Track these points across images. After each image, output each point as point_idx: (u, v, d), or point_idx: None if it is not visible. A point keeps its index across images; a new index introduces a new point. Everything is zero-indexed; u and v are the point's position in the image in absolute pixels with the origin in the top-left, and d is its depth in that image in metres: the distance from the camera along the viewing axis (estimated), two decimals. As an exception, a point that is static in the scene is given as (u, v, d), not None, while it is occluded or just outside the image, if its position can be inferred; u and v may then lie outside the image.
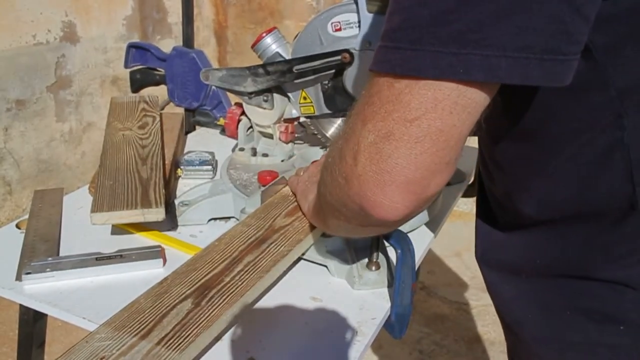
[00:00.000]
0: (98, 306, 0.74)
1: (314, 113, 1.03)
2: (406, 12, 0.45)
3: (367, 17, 0.88)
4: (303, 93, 1.02)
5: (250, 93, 1.04)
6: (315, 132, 1.12)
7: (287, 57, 0.99)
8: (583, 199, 0.59)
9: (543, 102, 0.55)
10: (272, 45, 1.01)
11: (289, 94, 1.04)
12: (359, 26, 0.90)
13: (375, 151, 0.48)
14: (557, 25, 0.43)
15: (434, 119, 0.45)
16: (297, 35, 1.01)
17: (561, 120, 0.56)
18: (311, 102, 1.02)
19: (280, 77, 0.99)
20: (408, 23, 0.45)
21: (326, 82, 0.98)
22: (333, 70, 0.95)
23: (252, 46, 1.02)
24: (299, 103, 1.03)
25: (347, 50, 0.91)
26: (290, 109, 1.06)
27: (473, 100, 0.46)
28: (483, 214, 0.76)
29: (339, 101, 0.99)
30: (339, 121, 1.10)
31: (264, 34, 1.01)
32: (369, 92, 0.49)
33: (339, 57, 0.92)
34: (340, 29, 0.91)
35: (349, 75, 0.93)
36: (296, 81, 0.99)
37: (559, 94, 0.51)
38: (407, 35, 0.45)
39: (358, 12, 0.89)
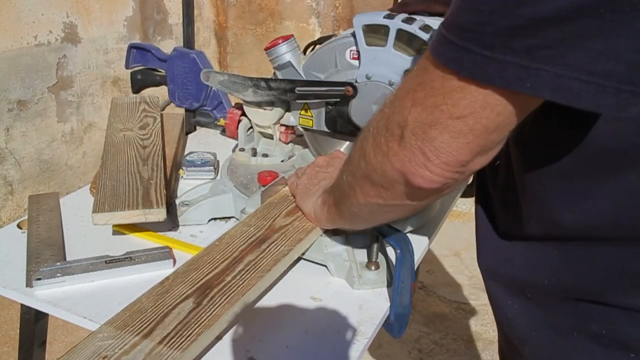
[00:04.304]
0: (112, 310, 0.72)
1: (312, 127, 1.03)
2: (481, 16, 0.44)
3: (366, 50, 0.89)
4: (305, 106, 1.02)
5: (249, 102, 1.05)
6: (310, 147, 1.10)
7: (299, 68, 0.99)
8: (622, 222, 0.56)
9: (598, 120, 0.52)
10: (286, 53, 1.00)
11: (291, 106, 1.05)
12: (359, 58, 0.90)
13: (421, 131, 0.49)
14: None
15: (480, 118, 0.46)
16: (308, 46, 1.00)
17: (608, 139, 0.53)
18: (311, 116, 1.02)
19: (281, 94, 1.00)
20: (482, 27, 0.44)
21: (331, 104, 0.98)
22: (337, 99, 0.95)
23: (266, 49, 1.01)
24: (299, 114, 1.04)
25: (350, 84, 0.92)
26: (289, 115, 1.07)
27: (523, 107, 0.46)
28: (487, 222, 0.74)
29: (339, 124, 0.99)
30: (343, 147, 1.08)
31: (280, 41, 1.00)
32: (422, 76, 0.49)
33: (342, 89, 0.93)
34: (357, 58, 0.92)
35: (355, 107, 0.94)
36: (298, 101, 0.99)
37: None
38: (480, 40, 0.44)
39: (356, 44, 0.90)
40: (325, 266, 0.84)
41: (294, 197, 0.89)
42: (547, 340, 0.65)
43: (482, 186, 0.78)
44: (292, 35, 1.02)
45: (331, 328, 0.74)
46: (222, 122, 1.31)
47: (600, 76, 0.41)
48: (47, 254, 0.85)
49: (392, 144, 0.53)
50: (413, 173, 0.52)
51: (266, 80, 1.00)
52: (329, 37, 0.98)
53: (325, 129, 1.01)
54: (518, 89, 0.43)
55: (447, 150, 0.49)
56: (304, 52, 1.04)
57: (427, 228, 0.97)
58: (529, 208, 0.64)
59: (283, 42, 1.00)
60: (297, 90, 0.97)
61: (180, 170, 1.13)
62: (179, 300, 0.68)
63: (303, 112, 1.03)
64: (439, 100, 0.47)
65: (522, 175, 0.64)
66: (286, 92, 0.99)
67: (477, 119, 0.46)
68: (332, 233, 0.86)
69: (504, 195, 0.70)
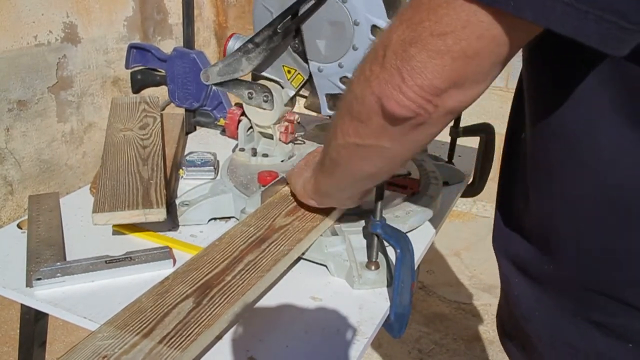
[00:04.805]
0: (112, 310, 0.72)
1: (305, 78, 1.04)
2: None
3: None
4: (285, 68, 1.04)
5: (252, 81, 1.06)
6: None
7: None
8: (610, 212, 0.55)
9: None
10: (235, 44, 1.05)
11: (277, 79, 1.06)
12: None
13: (401, 49, 0.49)
14: None
15: (459, 39, 0.46)
16: None
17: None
18: (296, 71, 1.03)
19: (269, 43, 1.00)
20: None
21: (292, 42, 0.99)
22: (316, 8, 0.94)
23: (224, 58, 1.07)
24: (288, 80, 1.05)
25: None
26: (286, 93, 1.07)
27: (505, 35, 0.46)
28: (503, 201, 0.74)
29: None
30: None
31: (227, 41, 1.07)
32: None
33: None
34: None
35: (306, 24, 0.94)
36: (282, 41, 0.99)
37: None
38: None
39: None
40: (325, 266, 0.84)
41: (289, 181, 0.89)
42: (548, 320, 0.66)
43: (505, 166, 0.77)
44: (234, 33, 1.09)
45: (331, 328, 0.74)
46: (222, 122, 1.31)
47: (584, 1, 0.41)
48: (47, 254, 0.86)
49: (374, 67, 0.53)
50: (388, 96, 0.51)
51: (250, 40, 1.01)
52: None
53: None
54: (500, 7, 0.43)
55: (423, 71, 0.48)
56: None
57: (427, 228, 0.97)
58: (533, 186, 0.65)
59: (229, 40, 1.06)
60: (279, 29, 0.97)
61: (180, 170, 1.14)
62: (179, 300, 0.68)
63: (288, 74, 1.04)
64: (423, 16, 0.47)
65: (531, 148, 0.63)
66: (272, 38, 0.99)
67: (456, 39, 0.46)
68: (332, 233, 0.86)
69: (518, 170, 0.70)
